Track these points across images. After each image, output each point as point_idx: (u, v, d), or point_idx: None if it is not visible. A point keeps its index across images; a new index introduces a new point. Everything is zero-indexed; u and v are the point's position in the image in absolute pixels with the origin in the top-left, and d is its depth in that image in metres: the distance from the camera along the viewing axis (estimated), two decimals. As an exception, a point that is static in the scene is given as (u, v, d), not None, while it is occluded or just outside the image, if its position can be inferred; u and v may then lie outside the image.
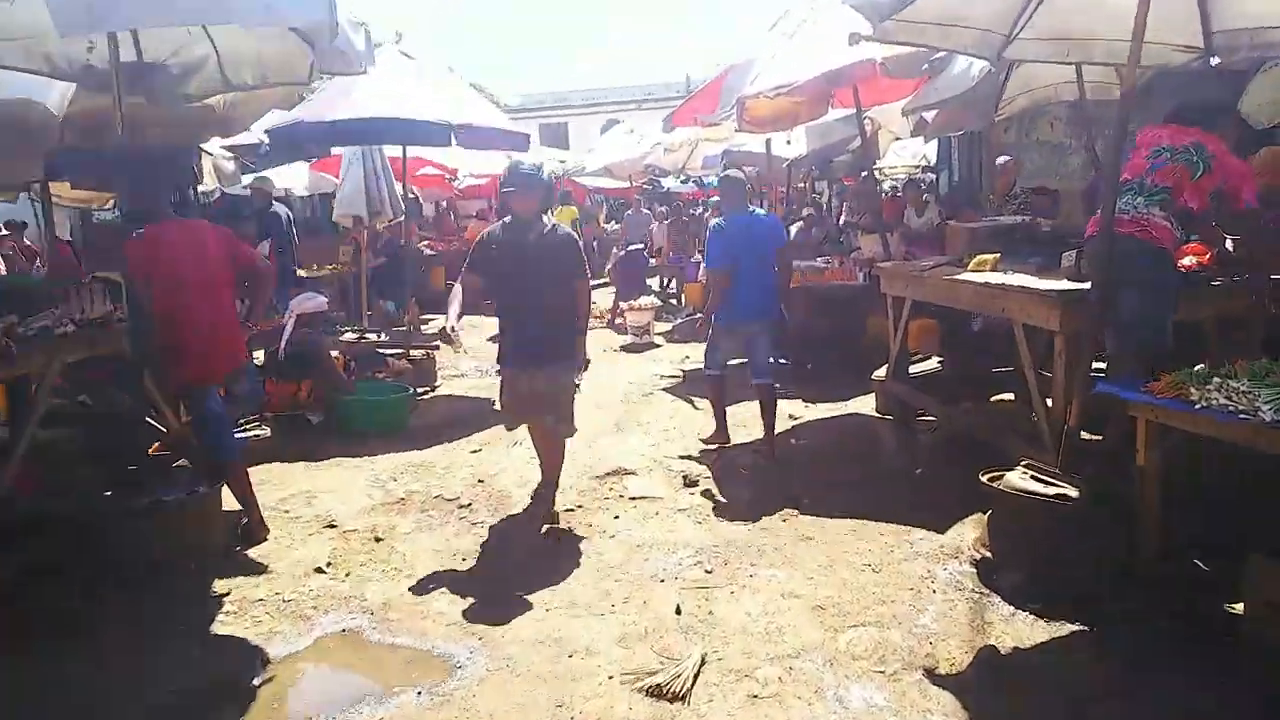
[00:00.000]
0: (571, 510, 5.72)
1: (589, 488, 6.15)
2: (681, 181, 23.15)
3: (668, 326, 13.17)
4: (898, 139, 10.34)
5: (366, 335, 10.08)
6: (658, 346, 11.99)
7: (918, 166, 15.99)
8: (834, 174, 13.20)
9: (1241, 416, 3.26)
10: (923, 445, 6.68)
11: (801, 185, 14.65)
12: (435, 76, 8.98)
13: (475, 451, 7.18)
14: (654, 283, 16.45)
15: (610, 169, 15.90)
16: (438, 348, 10.27)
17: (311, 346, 8.01)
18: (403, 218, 12.08)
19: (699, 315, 14.06)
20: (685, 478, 6.23)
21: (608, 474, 6.41)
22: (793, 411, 7.88)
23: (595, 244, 21.06)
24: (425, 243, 17.92)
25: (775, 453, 6.58)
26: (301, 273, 15.32)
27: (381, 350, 9.45)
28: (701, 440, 7.03)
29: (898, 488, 5.80)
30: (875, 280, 8.46)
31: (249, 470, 5.55)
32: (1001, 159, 9.38)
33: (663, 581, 4.60)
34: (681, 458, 6.73)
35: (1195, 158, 4.52)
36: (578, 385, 5.39)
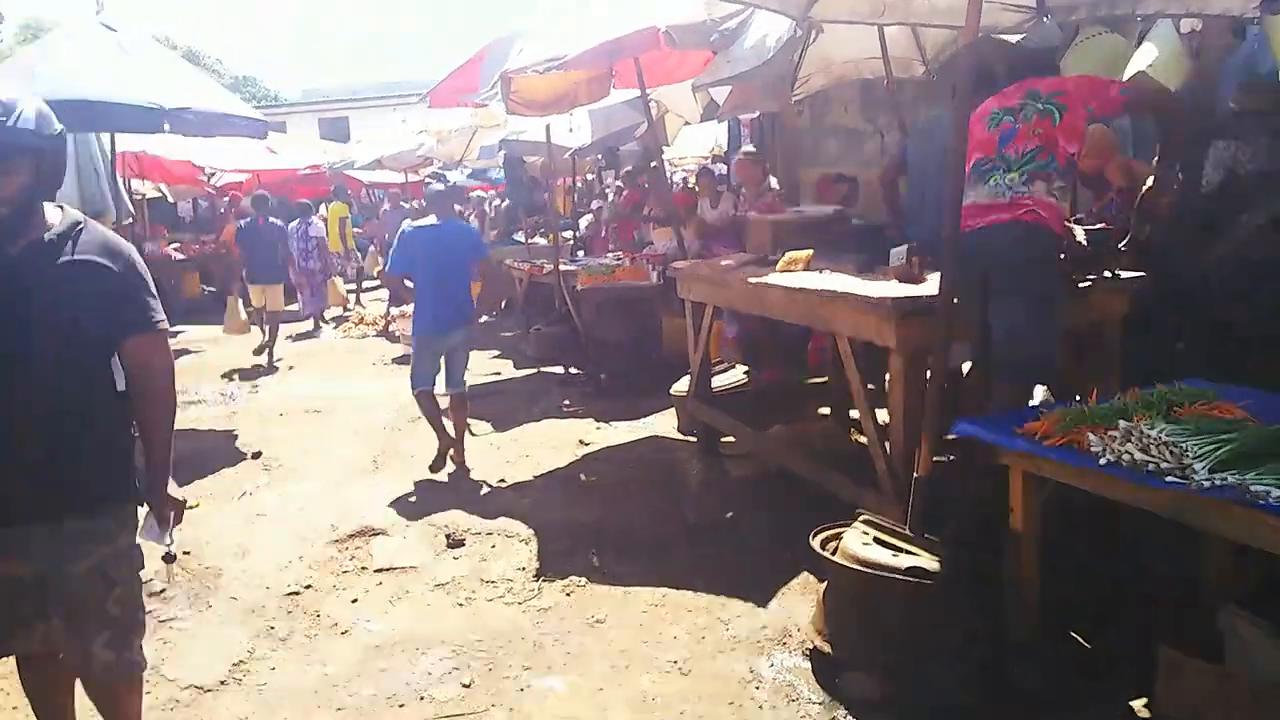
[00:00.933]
0: (297, 593, 4.40)
1: (324, 557, 4.83)
2: (467, 175, 21.69)
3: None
4: (687, 124, 9.41)
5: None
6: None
7: (707, 156, 15.25)
8: (621, 164, 12.18)
9: (1170, 481, 2.36)
10: (733, 479, 5.71)
11: (590, 176, 13.58)
12: (144, 52, 7.32)
13: (191, 508, 5.67)
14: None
15: (383, 161, 14.32)
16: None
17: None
18: (130, 220, 10.18)
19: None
20: (449, 536, 5.01)
21: (351, 535, 5.10)
22: (583, 435, 6.78)
23: (373, 243, 19.31)
24: (175, 246, 15.85)
25: (465, 460, 6.17)
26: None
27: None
28: (430, 470, 6.17)
29: (707, 540, 4.78)
30: (670, 279, 7.55)
31: None
32: (746, 149, 8.49)
33: (403, 707, 3.38)
34: (451, 507, 5.49)
35: (1041, 104, 3.62)
36: (168, 549, 2.72)
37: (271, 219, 11.14)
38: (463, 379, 6.26)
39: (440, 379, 6.18)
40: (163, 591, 4.42)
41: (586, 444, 6.60)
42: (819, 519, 3.75)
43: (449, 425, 6.19)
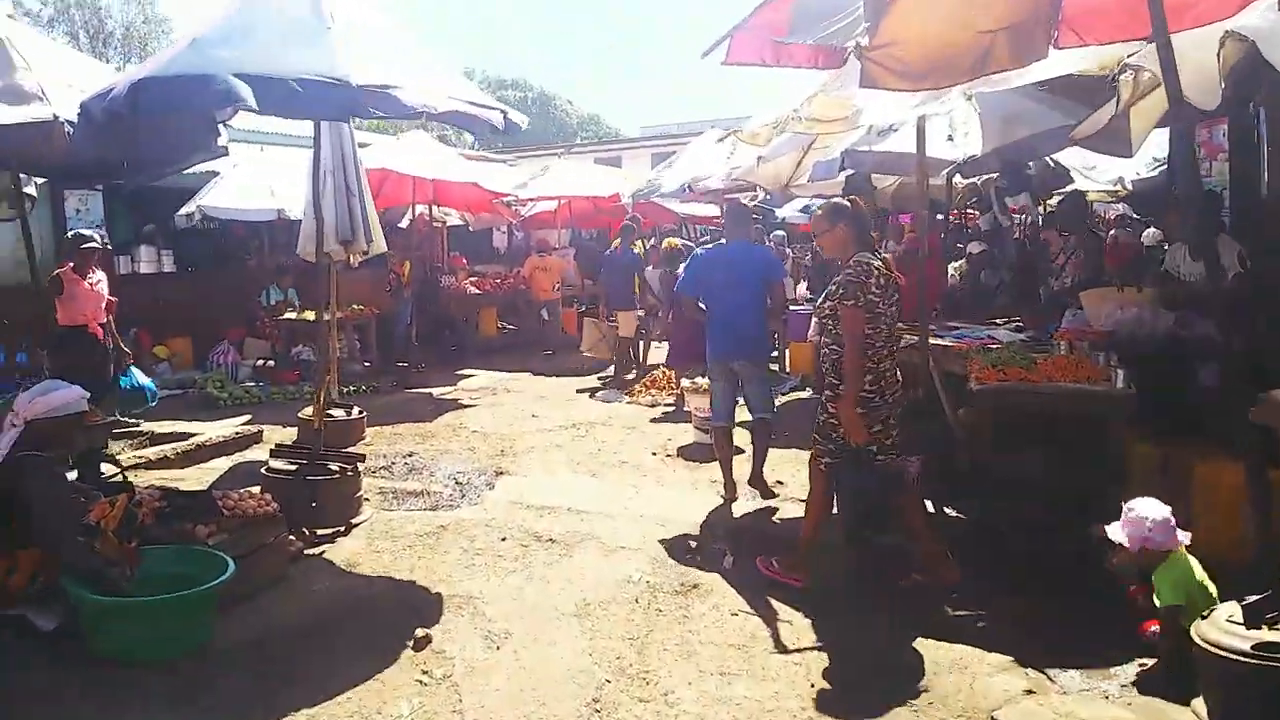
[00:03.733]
0: None
1: None
2: (801, 210, 18.56)
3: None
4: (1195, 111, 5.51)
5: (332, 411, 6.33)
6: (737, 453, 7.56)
7: (1112, 193, 10.76)
8: (1036, 190, 8.18)
9: None
10: None
11: (972, 206, 9.82)
12: (351, 24, 5.01)
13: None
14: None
15: (692, 187, 11.65)
16: (361, 459, 6.25)
17: (37, 484, 4.11)
18: (382, 249, 8.24)
19: (807, 390, 9.59)
20: None
21: None
22: (992, 702, 3.46)
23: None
24: (471, 280, 14.32)
25: (764, 484, 6.03)
26: (328, 316, 11.71)
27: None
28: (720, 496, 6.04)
29: None
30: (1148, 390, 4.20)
31: None
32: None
33: None
34: None
35: None
36: None
37: (632, 248, 11.69)
38: (766, 406, 6.10)
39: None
40: None
41: (1000, 727, 3.28)
42: None
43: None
